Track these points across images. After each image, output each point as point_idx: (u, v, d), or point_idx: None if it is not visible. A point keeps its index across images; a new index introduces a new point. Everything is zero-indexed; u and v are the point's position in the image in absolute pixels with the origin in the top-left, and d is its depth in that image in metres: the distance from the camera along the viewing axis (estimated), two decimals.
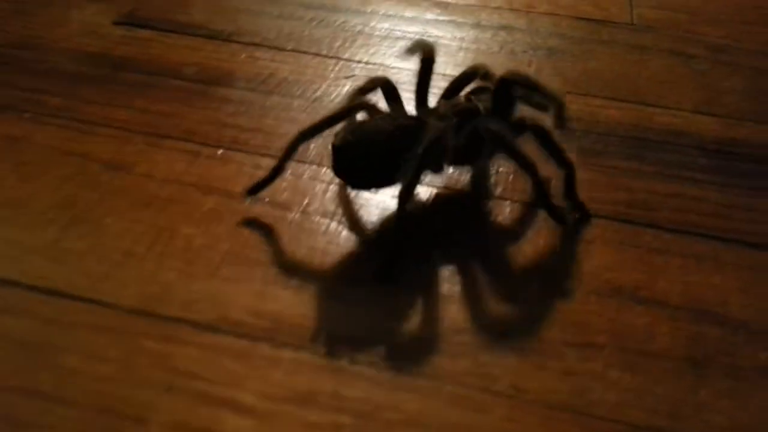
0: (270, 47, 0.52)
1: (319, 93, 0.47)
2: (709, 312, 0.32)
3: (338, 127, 0.35)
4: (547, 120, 0.36)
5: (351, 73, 0.49)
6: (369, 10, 0.57)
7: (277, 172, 0.36)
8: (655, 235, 0.37)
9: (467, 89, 0.40)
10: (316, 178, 0.39)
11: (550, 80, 0.47)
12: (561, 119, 0.35)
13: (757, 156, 0.43)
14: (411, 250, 0.35)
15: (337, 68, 0.50)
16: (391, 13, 0.57)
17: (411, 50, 0.40)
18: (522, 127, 0.35)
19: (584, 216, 0.37)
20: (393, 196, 0.37)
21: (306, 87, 0.47)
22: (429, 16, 0.57)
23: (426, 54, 0.38)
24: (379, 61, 0.51)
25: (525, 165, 0.34)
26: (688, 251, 0.36)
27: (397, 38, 0.54)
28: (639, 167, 0.41)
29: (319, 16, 0.56)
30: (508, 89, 0.36)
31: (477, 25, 0.56)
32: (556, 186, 0.37)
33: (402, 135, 0.33)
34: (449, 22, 0.56)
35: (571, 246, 0.36)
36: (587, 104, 0.47)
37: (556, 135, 0.35)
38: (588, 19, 0.57)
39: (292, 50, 0.51)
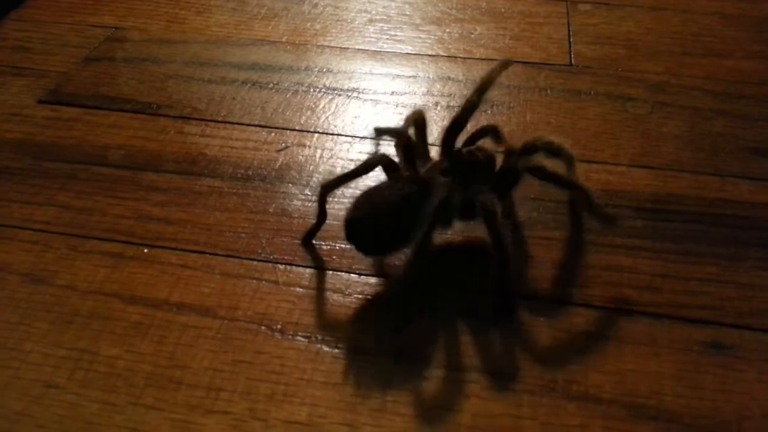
0: (200, 119, 0.50)
1: (250, 172, 0.45)
2: (643, 406, 0.32)
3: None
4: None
5: (284, 145, 0.48)
6: (304, 66, 0.56)
7: (321, 220, 0.40)
8: (587, 316, 0.36)
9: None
10: (246, 276, 0.38)
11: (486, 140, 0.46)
12: (597, 213, 0.37)
13: (693, 214, 0.42)
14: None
15: (270, 138, 0.48)
16: (326, 68, 0.56)
17: (386, 133, 0.45)
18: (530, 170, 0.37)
19: (609, 221, 0.37)
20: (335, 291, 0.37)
21: (237, 164, 0.46)
22: (365, 69, 0.56)
23: (418, 121, 0.41)
24: (313, 123, 0.50)
25: (499, 247, 0.34)
26: (623, 334, 0.35)
27: (333, 97, 0.52)
28: (571, 236, 0.41)
29: (252, 77, 0.55)
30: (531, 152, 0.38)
31: (413, 78, 0.55)
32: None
33: (409, 202, 0.36)
34: (385, 74, 0.55)
35: (498, 335, 0.35)
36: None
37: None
38: (526, 63, 0.56)
39: (224, 121, 0.50)
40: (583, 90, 0.53)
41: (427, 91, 0.53)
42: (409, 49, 0.58)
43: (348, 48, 0.58)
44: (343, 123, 0.50)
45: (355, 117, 0.51)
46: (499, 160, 0.40)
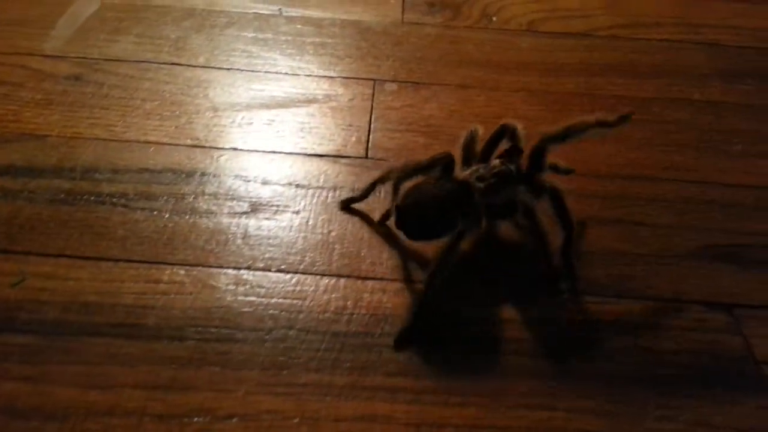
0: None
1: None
2: None
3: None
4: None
5: (21, 278, 0.42)
6: (69, 166, 0.50)
7: (363, 197, 0.47)
8: None
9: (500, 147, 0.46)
10: None
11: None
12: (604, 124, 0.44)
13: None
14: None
15: (5, 268, 0.42)
16: (96, 167, 0.50)
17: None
18: (542, 189, 0.43)
19: (571, 274, 0.44)
20: None
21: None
22: (143, 164, 0.50)
23: (470, 136, 0.46)
24: (60, 245, 0.43)
25: (540, 234, 0.42)
26: None
27: (97, 205, 0.47)
28: (331, 379, 0.37)
29: (4, 184, 0.48)
30: (539, 156, 0.44)
31: (202, 175, 0.50)
32: None
33: (450, 198, 0.41)
34: (162, 170, 0.50)
35: None
36: None
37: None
38: (323, 157, 0.53)
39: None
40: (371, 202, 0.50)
41: (215, 192, 0.49)
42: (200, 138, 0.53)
43: (132, 140, 0.53)
44: (108, 244, 0.44)
45: (124, 237, 0.45)
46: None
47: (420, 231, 0.42)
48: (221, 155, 0.52)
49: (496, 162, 0.45)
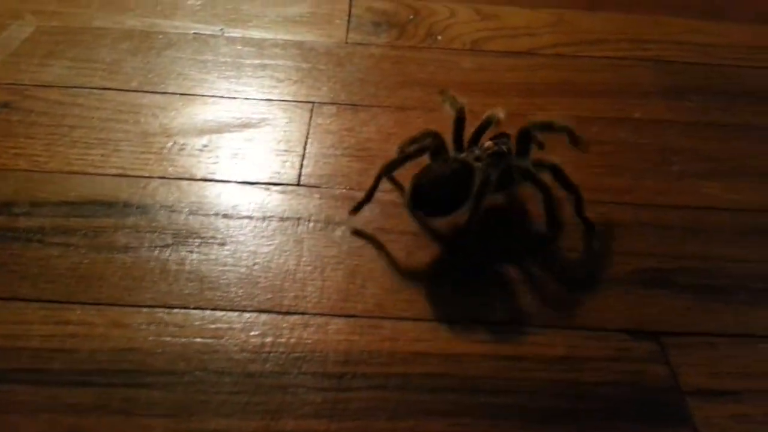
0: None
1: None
2: None
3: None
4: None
5: None
6: None
7: (369, 197, 0.48)
8: None
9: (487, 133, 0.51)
10: None
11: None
12: (575, 140, 0.49)
13: (381, 377, 0.38)
14: None
15: None
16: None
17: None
18: (541, 165, 0.48)
19: (590, 228, 0.49)
20: None
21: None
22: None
23: (458, 111, 0.50)
24: None
25: (544, 189, 0.47)
26: None
27: None
28: (241, 425, 0.36)
29: None
30: (526, 136, 0.48)
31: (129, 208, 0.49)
32: None
33: (457, 176, 0.46)
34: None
35: None
36: None
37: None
38: (254, 184, 0.52)
39: None
40: (303, 216, 0.49)
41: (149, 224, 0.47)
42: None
43: (55, 171, 0.51)
44: (20, 282, 0.42)
45: (37, 274, 0.43)
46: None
47: (436, 206, 0.46)
48: (147, 184, 0.50)
49: (489, 143, 0.49)
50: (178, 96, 0.60)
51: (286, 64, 0.66)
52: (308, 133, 0.57)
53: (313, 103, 0.61)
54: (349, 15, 0.75)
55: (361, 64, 0.67)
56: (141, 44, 0.67)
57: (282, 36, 0.70)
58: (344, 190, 0.51)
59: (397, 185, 0.51)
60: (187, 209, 0.49)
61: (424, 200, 0.46)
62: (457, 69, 0.67)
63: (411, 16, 0.75)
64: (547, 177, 0.47)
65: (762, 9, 0.83)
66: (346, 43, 0.70)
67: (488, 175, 0.46)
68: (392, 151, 0.55)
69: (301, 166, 0.54)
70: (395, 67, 0.67)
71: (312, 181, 0.52)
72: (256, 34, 0.70)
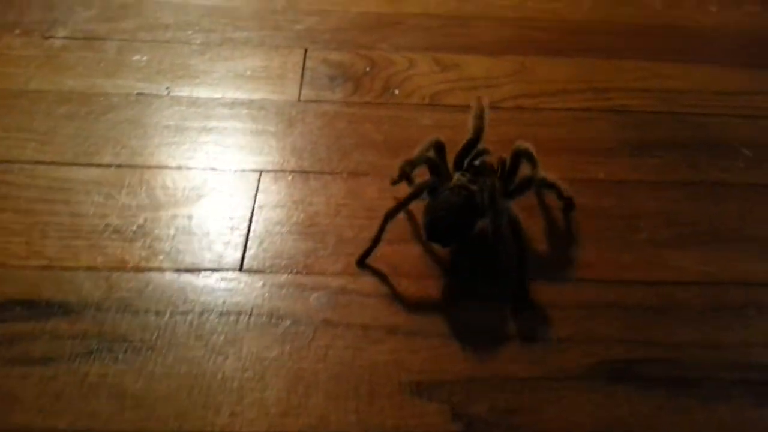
0: None
1: None
2: None
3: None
4: None
5: None
6: None
7: (375, 243, 0.49)
8: None
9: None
10: None
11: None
12: (566, 202, 0.54)
13: None
14: None
15: None
16: None
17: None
18: (530, 181, 0.51)
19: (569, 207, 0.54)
20: None
21: None
22: None
23: (476, 131, 0.54)
24: None
25: (498, 239, 0.47)
26: None
27: None
28: None
29: None
30: (516, 161, 0.52)
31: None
32: None
33: (465, 203, 0.48)
34: None
35: None
36: None
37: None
38: (192, 271, 0.48)
39: None
40: (244, 309, 0.45)
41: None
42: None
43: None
44: None
45: None
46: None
47: (451, 236, 0.48)
48: (73, 278, 0.46)
49: (477, 163, 0.53)
50: (113, 169, 0.56)
51: (233, 126, 0.62)
52: (254, 208, 0.54)
53: (260, 171, 0.57)
54: (303, 68, 0.72)
55: (314, 123, 0.64)
56: (79, 108, 0.63)
57: (231, 94, 0.67)
58: (290, 276, 0.48)
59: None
60: (114, 307, 0.45)
61: (441, 233, 0.48)
62: (415, 126, 0.64)
63: (367, 68, 0.72)
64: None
65: (725, 46, 0.82)
66: (299, 100, 0.67)
67: (491, 185, 0.48)
68: (343, 227, 0.52)
69: (245, 248, 0.50)
70: (349, 127, 0.64)
71: (255, 266, 0.49)
72: (203, 92, 0.66)
